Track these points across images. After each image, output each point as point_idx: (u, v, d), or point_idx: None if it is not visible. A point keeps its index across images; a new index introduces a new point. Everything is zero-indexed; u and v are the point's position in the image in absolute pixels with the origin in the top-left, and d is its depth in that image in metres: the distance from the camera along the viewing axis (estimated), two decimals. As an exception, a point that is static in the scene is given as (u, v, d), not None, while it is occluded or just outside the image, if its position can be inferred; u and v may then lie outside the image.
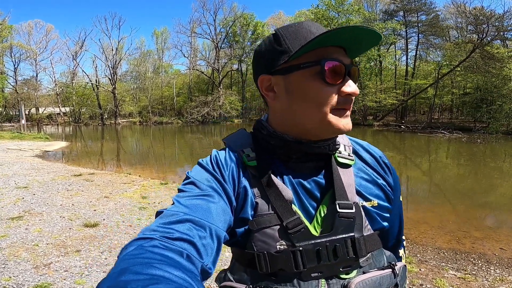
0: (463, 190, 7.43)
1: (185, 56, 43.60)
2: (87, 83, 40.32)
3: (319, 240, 0.56)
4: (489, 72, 23.43)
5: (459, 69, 25.39)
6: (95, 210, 4.65)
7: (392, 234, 0.71)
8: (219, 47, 40.41)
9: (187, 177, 0.60)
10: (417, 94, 29.33)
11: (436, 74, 27.60)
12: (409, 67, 33.04)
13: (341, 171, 0.62)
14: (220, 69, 39.55)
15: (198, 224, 0.49)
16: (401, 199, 0.71)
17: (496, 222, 4.95)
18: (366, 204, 0.61)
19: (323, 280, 0.55)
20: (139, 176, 7.98)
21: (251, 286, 0.56)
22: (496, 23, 24.52)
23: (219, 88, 38.15)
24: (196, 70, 42.63)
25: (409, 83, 30.05)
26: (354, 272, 0.57)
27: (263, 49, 0.62)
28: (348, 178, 0.62)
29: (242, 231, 0.58)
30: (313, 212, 0.59)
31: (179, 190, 0.57)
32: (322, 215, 0.58)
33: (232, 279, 0.60)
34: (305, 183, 0.61)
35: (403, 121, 28.66)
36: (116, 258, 0.41)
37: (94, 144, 19.65)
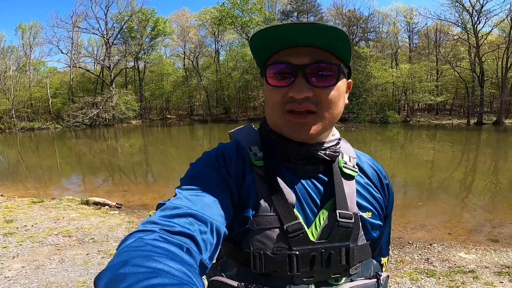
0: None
1: (63, 53, 36.72)
2: None
3: (315, 246, 0.56)
4: (356, 69, 28.51)
5: (335, 67, 30.05)
6: None
7: (380, 244, 0.73)
8: (111, 44, 35.80)
9: (191, 169, 0.59)
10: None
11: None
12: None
13: (344, 181, 0.62)
14: (112, 66, 35.02)
15: (199, 218, 0.48)
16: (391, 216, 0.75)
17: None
18: (364, 214, 0.62)
19: (313, 285, 0.56)
20: (2, 195, 6.14)
21: (243, 284, 0.56)
22: (363, 25, 30.00)
23: (111, 88, 33.72)
24: (80, 68, 36.52)
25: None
26: (343, 279, 0.58)
27: None
28: (350, 189, 0.62)
29: (241, 229, 0.57)
30: (312, 217, 0.59)
31: (182, 182, 0.57)
32: (321, 222, 0.58)
33: (223, 274, 0.59)
34: (307, 187, 0.61)
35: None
36: (115, 251, 0.41)
37: None
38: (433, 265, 2.98)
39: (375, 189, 0.67)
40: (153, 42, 38.29)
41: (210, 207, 0.51)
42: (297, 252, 0.55)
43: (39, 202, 5.28)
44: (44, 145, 20.38)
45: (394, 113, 25.88)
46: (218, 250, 0.50)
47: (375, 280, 0.61)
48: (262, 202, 0.57)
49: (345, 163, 0.64)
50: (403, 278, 2.65)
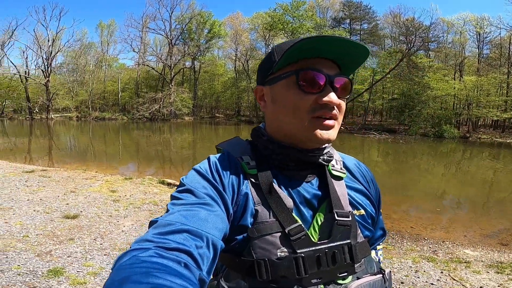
0: (388, 183, 8.93)
1: (135, 51, 41.31)
2: (14, 74, 35.72)
3: (319, 247, 0.58)
4: (412, 80, 27.21)
5: (389, 76, 28.81)
6: (67, 204, 4.76)
7: (374, 239, 0.75)
8: (173, 44, 39.21)
9: (182, 184, 0.60)
10: (355, 98, 32.60)
11: (371, 80, 30.86)
12: (350, 73, 36.74)
13: (334, 182, 0.66)
14: (172, 65, 38.33)
15: (194, 233, 0.49)
16: (381, 211, 0.77)
17: (409, 207, 6.27)
18: (355, 213, 0.65)
19: (322, 286, 0.58)
20: (96, 172, 7.92)
21: None
22: (423, 34, 28.47)
23: (170, 85, 37.06)
24: (147, 65, 40.59)
25: (352, 87, 33.23)
26: (350, 277, 0.60)
27: (261, 63, 0.68)
28: (342, 189, 0.65)
29: (240, 238, 0.59)
30: (309, 219, 0.61)
31: (174, 197, 0.57)
32: (319, 223, 0.61)
33: (226, 287, 0.60)
34: (301, 191, 0.63)
35: (343, 123, 31.61)
36: (110, 270, 0.41)
37: (19, 140, 17.65)
38: (437, 255, 3.49)
39: (362, 186, 0.70)
40: (208, 44, 40.63)
41: (205, 221, 0.51)
42: (303, 255, 0.56)
43: (129, 179, 6.84)
44: (111, 134, 23.42)
45: (451, 128, 24.18)
46: (215, 264, 0.51)
47: (381, 275, 0.63)
48: (260, 209, 0.59)
49: (333, 166, 0.67)
50: (407, 260, 3.32)
